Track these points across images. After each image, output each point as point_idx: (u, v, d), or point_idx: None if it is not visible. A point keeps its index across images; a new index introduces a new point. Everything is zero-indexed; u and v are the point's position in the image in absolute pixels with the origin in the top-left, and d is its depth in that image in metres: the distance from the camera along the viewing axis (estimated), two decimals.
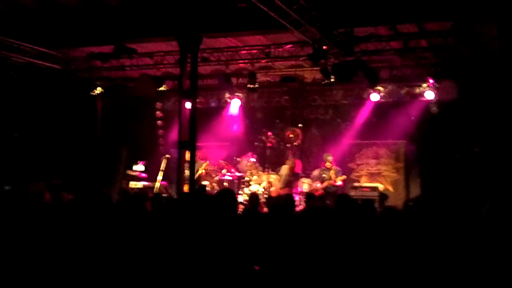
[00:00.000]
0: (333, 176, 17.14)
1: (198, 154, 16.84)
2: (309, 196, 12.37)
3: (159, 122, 21.16)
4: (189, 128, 13.78)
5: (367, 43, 14.75)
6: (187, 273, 6.31)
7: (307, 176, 17.90)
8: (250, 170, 18.25)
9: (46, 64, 17.07)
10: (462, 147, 16.63)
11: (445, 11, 12.73)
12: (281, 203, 9.11)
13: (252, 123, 20.50)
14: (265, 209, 13.09)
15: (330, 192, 16.64)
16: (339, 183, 17.21)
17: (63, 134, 18.82)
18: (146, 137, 21.05)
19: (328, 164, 17.40)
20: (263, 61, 16.58)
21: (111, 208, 8.51)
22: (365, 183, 18.28)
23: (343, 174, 17.60)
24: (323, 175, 17.39)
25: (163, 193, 17.52)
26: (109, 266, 6.61)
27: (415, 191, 17.55)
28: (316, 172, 17.86)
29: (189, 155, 13.72)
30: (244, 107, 20.37)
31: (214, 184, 18.54)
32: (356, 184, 18.09)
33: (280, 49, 15.94)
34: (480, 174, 15.65)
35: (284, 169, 17.03)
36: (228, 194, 8.88)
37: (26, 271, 6.63)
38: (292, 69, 17.99)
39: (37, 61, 16.75)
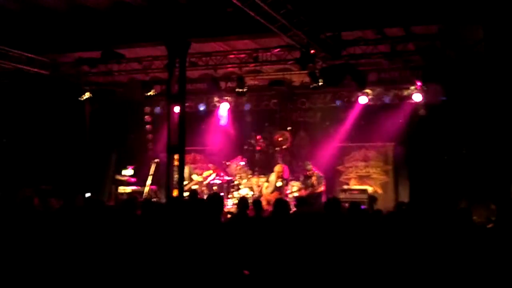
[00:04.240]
0: (315, 182, 17.11)
1: (188, 158, 16.88)
2: (299, 200, 12.38)
3: (148, 126, 21.12)
4: (178, 133, 13.79)
5: (355, 47, 14.80)
6: (178, 277, 6.32)
7: (296, 179, 17.90)
8: (239, 174, 18.26)
9: (34, 69, 17.01)
10: (450, 149, 16.70)
11: (432, 15, 12.78)
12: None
13: (241, 127, 20.48)
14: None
15: (314, 198, 16.58)
16: (321, 189, 17.17)
17: (52, 140, 18.78)
18: (135, 142, 21.01)
19: (309, 172, 17.38)
20: (251, 65, 16.58)
21: (104, 214, 8.54)
22: (354, 185, 18.28)
23: (324, 179, 17.57)
24: (306, 182, 17.38)
25: (152, 198, 17.51)
26: (100, 272, 6.62)
27: (404, 193, 17.59)
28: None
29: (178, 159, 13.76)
30: (233, 111, 20.39)
31: (204, 188, 18.51)
32: (345, 186, 18.10)
33: (268, 53, 15.98)
34: (468, 175, 15.72)
35: (273, 176, 17.04)
36: (216, 199, 8.94)
37: (16, 276, 6.63)
38: (280, 73, 18.01)
39: (25, 67, 16.69)
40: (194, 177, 18.00)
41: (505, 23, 12.10)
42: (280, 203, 9.79)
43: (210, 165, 19.12)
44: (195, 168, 19.43)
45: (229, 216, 13.94)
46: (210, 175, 18.32)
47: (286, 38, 13.49)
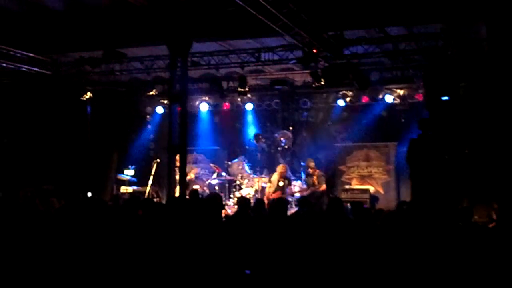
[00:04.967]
0: (316, 182, 17.05)
1: (189, 158, 16.83)
2: (301, 200, 12.36)
3: (149, 126, 21.12)
4: (179, 133, 13.75)
5: (357, 46, 14.77)
6: (179, 276, 6.30)
7: (298, 178, 17.87)
8: (241, 173, 18.21)
9: (36, 69, 17.00)
10: (452, 149, 16.66)
11: (434, 14, 12.77)
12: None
13: (242, 126, 20.47)
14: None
15: (315, 197, 16.52)
16: (322, 188, 17.10)
17: (53, 140, 18.78)
18: (136, 142, 21.01)
19: (310, 170, 17.31)
20: (253, 64, 16.57)
21: (106, 213, 8.53)
22: (355, 185, 18.27)
23: (326, 178, 17.51)
24: (307, 181, 17.33)
25: (154, 198, 17.50)
26: (101, 271, 6.61)
27: (405, 193, 17.55)
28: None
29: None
30: (235, 111, 20.38)
31: (205, 188, 18.49)
32: (347, 186, 18.07)
33: (270, 53, 15.95)
34: (470, 175, 15.69)
35: (275, 175, 16.99)
36: (216, 199, 8.92)
37: (18, 276, 6.62)
38: (282, 73, 18.00)
39: (27, 67, 16.68)
40: None
41: (508, 22, 12.06)
42: (279, 202, 9.79)
43: (212, 165, 19.10)
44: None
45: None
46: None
47: (288, 37, 13.47)
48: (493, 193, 13.42)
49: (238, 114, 20.51)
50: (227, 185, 18.35)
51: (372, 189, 17.74)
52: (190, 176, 17.94)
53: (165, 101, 19.14)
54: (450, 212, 9.17)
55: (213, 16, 13.74)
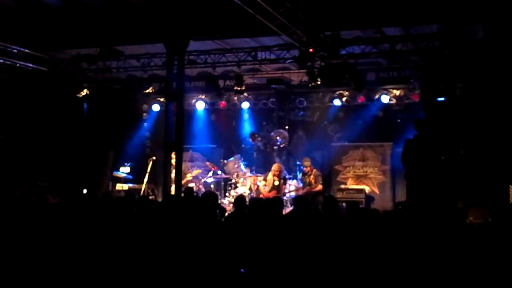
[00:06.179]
0: (312, 181, 17.02)
1: (185, 156, 16.82)
2: (297, 199, 12.35)
3: (145, 124, 21.11)
4: (175, 130, 13.75)
5: (354, 46, 14.78)
6: (173, 274, 6.31)
7: (294, 178, 17.87)
8: (236, 172, 18.21)
9: (32, 66, 16.98)
10: (448, 150, 16.68)
11: (431, 15, 12.78)
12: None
13: (239, 125, 20.47)
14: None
15: (311, 196, 16.48)
16: (319, 187, 17.05)
17: (49, 136, 18.76)
18: (132, 139, 20.98)
19: (307, 169, 17.28)
20: (250, 63, 16.56)
21: (100, 210, 8.53)
22: (351, 185, 18.27)
23: (323, 178, 17.47)
24: (303, 180, 17.31)
25: (149, 195, 17.49)
26: (95, 268, 6.61)
27: (401, 193, 17.56)
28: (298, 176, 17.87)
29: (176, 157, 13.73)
30: (231, 110, 20.38)
31: (200, 186, 18.48)
32: (342, 186, 18.07)
33: (267, 52, 15.94)
34: (466, 176, 15.70)
35: (271, 174, 16.99)
36: (211, 197, 8.92)
37: (13, 272, 6.62)
38: (278, 72, 18.00)
39: (24, 63, 16.65)
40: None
41: (505, 23, 12.10)
42: (275, 201, 9.80)
43: (208, 163, 19.09)
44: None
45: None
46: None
47: (285, 36, 13.47)
48: (488, 194, 13.45)
49: (235, 112, 20.52)
50: (222, 183, 18.36)
51: (367, 189, 17.74)
52: (187, 177, 18.00)
53: (162, 99, 19.13)
54: (445, 213, 9.16)
55: (210, 14, 13.74)
